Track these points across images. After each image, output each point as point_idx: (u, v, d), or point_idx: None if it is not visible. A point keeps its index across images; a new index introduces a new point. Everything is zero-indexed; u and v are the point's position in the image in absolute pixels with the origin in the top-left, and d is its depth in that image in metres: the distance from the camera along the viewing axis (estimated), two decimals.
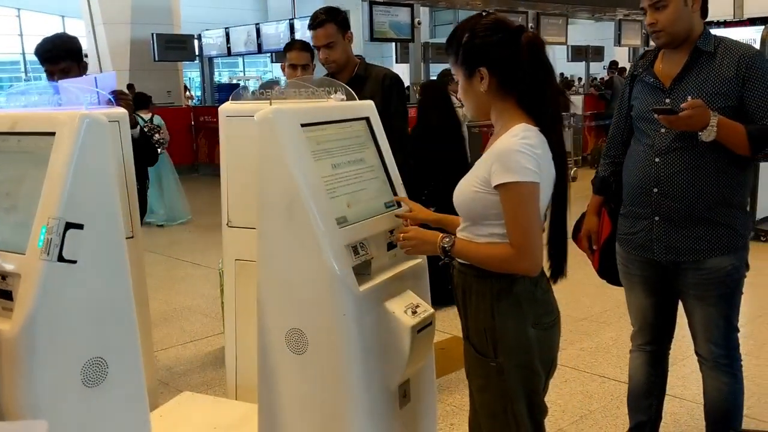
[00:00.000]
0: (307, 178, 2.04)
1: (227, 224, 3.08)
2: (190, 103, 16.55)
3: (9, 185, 1.99)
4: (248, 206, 2.89)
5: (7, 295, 1.85)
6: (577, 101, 11.78)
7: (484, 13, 1.90)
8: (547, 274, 1.93)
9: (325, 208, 2.05)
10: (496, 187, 1.77)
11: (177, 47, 14.22)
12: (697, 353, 2.49)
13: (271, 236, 2.13)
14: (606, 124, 11.15)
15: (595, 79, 18.76)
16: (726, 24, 8.13)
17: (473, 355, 1.93)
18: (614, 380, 3.51)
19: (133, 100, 3.46)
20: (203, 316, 4.79)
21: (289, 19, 12.71)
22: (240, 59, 28.61)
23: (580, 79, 21.12)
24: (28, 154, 1.98)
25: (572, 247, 2.28)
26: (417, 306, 2.21)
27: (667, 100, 2.33)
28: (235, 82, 22.78)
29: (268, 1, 27.59)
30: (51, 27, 26.74)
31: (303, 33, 12.22)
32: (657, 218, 2.36)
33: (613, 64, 14.20)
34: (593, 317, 4.48)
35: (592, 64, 16.23)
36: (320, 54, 3.26)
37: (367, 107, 2.44)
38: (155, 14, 15.31)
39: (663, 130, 2.31)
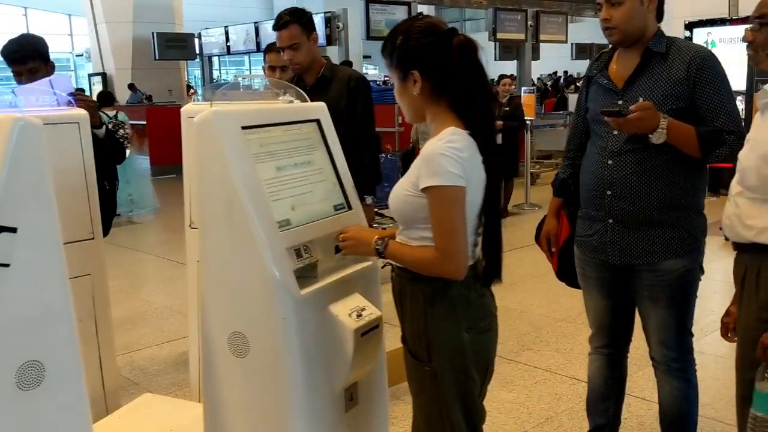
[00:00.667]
0: (246, 180, 2.03)
1: (189, 225, 3.08)
2: (192, 100, 16.59)
3: None
4: None
5: None
6: (575, 99, 11.69)
7: (420, 16, 1.89)
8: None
9: (266, 211, 2.04)
10: (423, 190, 1.77)
11: (177, 46, 14.29)
12: (651, 357, 2.47)
13: (212, 238, 2.12)
14: None
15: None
16: (727, 21, 8.07)
17: (409, 360, 1.93)
18: (585, 382, 3.48)
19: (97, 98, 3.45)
20: (183, 315, 4.78)
21: None
22: (246, 57, 28.69)
23: (565, 75, 21.11)
24: None
25: None
26: (363, 309, 2.19)
27: (620, 102, 2.31)
28: (236, 80, 22.87)
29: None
30: (57, 25, 26.89)
31: None
32: (611, 221, 2.35)
33: None
34: (571, 318, 4.45)
35: None
36: (285, 55, 3.25)
37: (318, 109, 2.43)
38: (157, 13, 15.37)
39: (615, 132, 2.29)
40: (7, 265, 1.83)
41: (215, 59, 15.72)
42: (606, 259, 2.40)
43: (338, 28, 11.70)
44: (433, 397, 1.89)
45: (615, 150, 2.31)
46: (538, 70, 21.99)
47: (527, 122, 7.92)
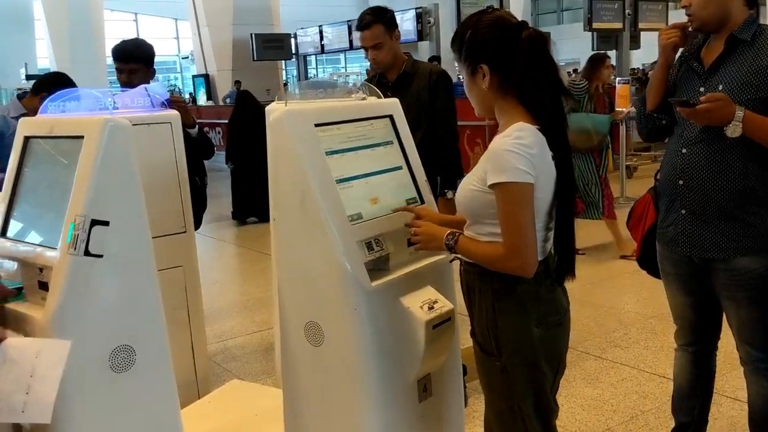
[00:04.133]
0: (317, 176, 2.10)
1: (273, 219, 3.19)
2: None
3: (47, 185, 2.17)
4: None
5: (44, 286, 2.02)
6: None
7: (489, 9, 1.89)
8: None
9: (337, 205, 2.11)
10: (491, 186, 1.77)
11: (274, 46, 14.70)
12: (739, 356, 2.37)
13: (286, 232, 2.21)
14: None
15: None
16: None
17: (479, 354, 1.94)
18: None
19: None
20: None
21: None
22: (341, 56, 29.16)
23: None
24: (63, 155, 2.14)
25: None
26: (435, 302, 2.22)
27: (702, 89, 2.23)
28: (335, 78, 23.26)
29: None
30: (165, 30, 28.14)
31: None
32: (683, 211, 2.27)
33: None
34: (663, 316, 4.30)
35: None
36: (369, 55, 3.31)
37: (391, 105, 2.47)
38: (256, 15, 15.81)
39: (692, 120, 2.22)
40: (100, 256, 1.98)
41: (311, 58, 16.04)
42: (680, 252, 2.32)
43: (429, 23, 11.71)
44: (504, 392, 1.89)
45: (690, 138, 2.23)
46: (640, 59, 21.20)
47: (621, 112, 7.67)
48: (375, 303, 2.11)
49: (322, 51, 14.60)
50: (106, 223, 1.98)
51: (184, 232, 3.11)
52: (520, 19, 1.86)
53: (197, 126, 3.42)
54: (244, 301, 5.12)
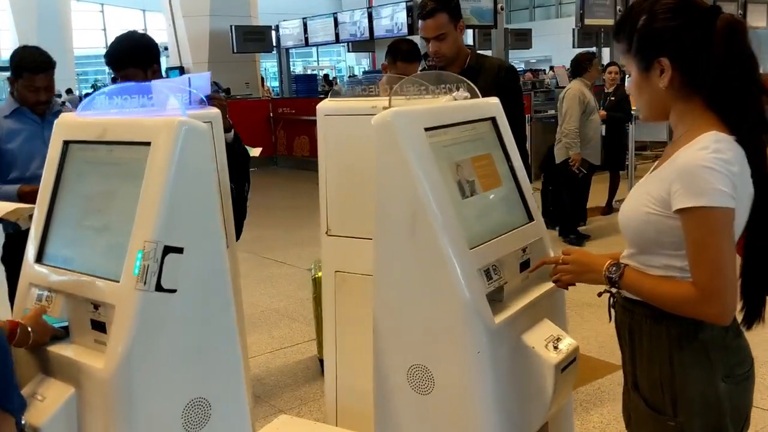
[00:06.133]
0: (432, 190, 1.75)
1: (326, 233, 2.82)
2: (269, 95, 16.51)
3: (100, 201, 1.78)
4: (349, 213, 2.63)
5: (101, 327, 1.63)
6: None
7: None
8: (739, 318, 1.56)
9: (455, 226, 1.76)
10: (678, 211, 1.43)
11: (255, 39, 14.19)
12: None
13: (391, 256, 1.85)
14: None
15: None
16: None
17: (643, 410, 1.59)
18: None
19: None
20: (291, 320, 4.58)
21: (367, 8, 12.46)
22: (314, 50, 28.65)
23: None
24: (119, 166, 1.76)
25: None
26: (558, 339, 1.90)
27: None
28: (310, 72, 22.77)
29: None
30: (132, 22, 27.36)
31: (378, 23, 11.94)
32: None
33: None
34: None
35: None
36: (430, 46, 2.94)
37: (493, 106, 2.13)
38: (233, 6, 15.34)
39: None
40: (173, 291, 1.60)
41: (292, 51, 15.56)
42: None
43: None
44: None
45: None
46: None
47: (633, 113, 7.45)
48: (498, 343, 1.77)
49: (306, 44, 14.13)
50: (180, 251, 1.61)
51: (227, 248, 2.71)
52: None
53: (233, 130, 3.02)
54: (258, 315, 4.72)
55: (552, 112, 9.40)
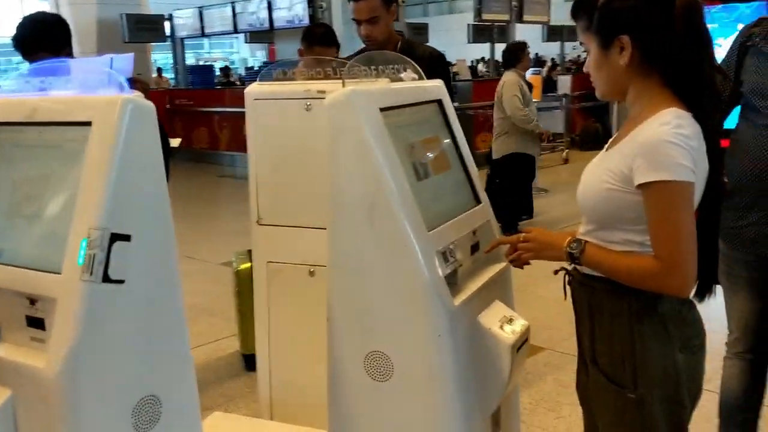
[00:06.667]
0: (393, 172, 1.71)
1: (257, 222, 2.72)
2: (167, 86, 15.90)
3: (29, 187, 1.62)
4: (283, 201, 2.55)
5: (38, 323, 1.49)
6: (565, 81, 11.52)
7: None
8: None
9: (414, 208, 1.72)
10: (640, 186, 1.46)
11: (148, 28, 13.63)
12: None
13: (348, 242, 1.79)
14: (594, 105, 10.91)
15: (553, 59, 18.34)
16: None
17: (603, 384, 1.62)
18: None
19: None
20: (209, 315, 4.42)
21: None
22: (205, 40, 27.89)
23: (552, 59, 20.94)
24: (52, 149, 1.61)
25: None
26: (510, 320, 1.90)
27: None
28: (202, 63, 22.12)
29: None
30: (7, 6, 25.69)
31: (278, 14, 11.73)
32: None
33: None
34: None
35: (566, 43, 15.84)
36: (361, 29, 2.88)
37: (439, 88, 2.11)
38: None
39: None
40: (122, 282, 1.48)
41: (192, 42, 15.12)
42: (765, 254, 2.14)
43: (321, 7, 11.27)
44: (636, 428, 1.59)
45: None
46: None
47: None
48: (457, 325, 1.76)
49: (203, 34, 13.71)
50: (128, 238, 1.49)
51: None
52: None
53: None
54: None
55: (456, 104, 9.54)
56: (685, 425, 1.61)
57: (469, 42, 14.32)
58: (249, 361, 3.71)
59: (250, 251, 3.93)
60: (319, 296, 2.40)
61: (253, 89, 2.60)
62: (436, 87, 2.09)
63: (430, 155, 1.93)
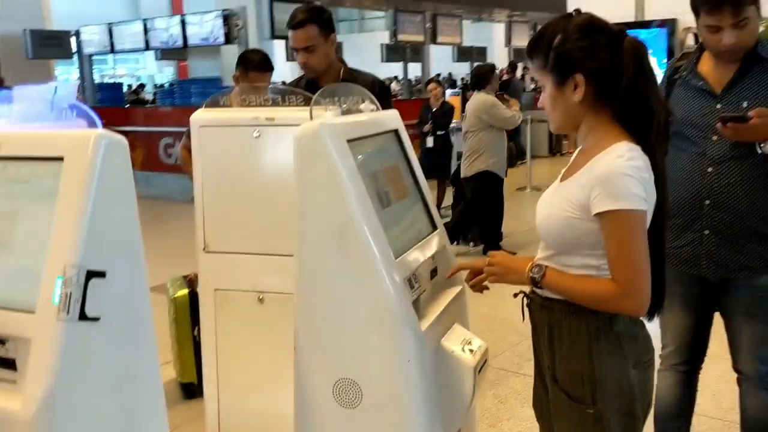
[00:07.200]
0: (361, 201, 1.75)
1: (203, 249, 2.70)
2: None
3: None
4: (230, 229, 2.55)
5: (9, 364, 1.45)
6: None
7: (574, 13, 1.68)
8: None
9: (382, 237, 1.78)
10: (598, 214, 1.57)
11: (53, 44, 13.16)
12: (737, 370, 2.39)
13: (316, 271, 1.82)
14: None
15: (464, 79, 19.00)
16: (629, 25, 8.38)
17: (563, 401, 1.71)
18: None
19: None
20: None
21: (181, 16, 12.04)
22: (110, 57, 27.07)
23: (462, 78, 21.50)
24: (19, 184, 1.57)
25: None
26: (470, 342, 1.98)
27: (718, 106, 2.21)
28: (111, 81, 21.46)
29: None
30: None
31: (192, 31, 11.56)
32: (707, 232, 2.24)
33: (512, 66, 14.33)
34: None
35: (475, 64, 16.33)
36: (298, 58, 2.91)
37: (394, 118, 2.18)
38: (24, 9, 14.11)
39: (715, 138, 2.19)
40: (97, 320, 1.46)
41: (95, 58, 14.59)
42: (698, 273, 2.30)
43: (237, 26, 11.19)
44: None
45: (717, 157, 2.20)
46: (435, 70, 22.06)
47: (453, 125, 7.90)
48: (424, 350, 1.82)
49: (112, 50, 13.31)
50: (102, 275, 1.47)
51: None
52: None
53: None
54: None
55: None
56: None
57: (382, 61, 14.50)
58: (187, 390, 3.64)
59: (185, 277, 3.89)
60: (269, 323, 2.43)
61: (199, 116, 2.60)
62: (392, 117, 2.15)
63: (392, 184, 1.99)
